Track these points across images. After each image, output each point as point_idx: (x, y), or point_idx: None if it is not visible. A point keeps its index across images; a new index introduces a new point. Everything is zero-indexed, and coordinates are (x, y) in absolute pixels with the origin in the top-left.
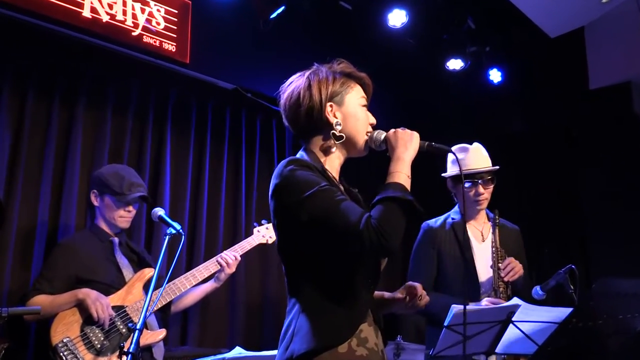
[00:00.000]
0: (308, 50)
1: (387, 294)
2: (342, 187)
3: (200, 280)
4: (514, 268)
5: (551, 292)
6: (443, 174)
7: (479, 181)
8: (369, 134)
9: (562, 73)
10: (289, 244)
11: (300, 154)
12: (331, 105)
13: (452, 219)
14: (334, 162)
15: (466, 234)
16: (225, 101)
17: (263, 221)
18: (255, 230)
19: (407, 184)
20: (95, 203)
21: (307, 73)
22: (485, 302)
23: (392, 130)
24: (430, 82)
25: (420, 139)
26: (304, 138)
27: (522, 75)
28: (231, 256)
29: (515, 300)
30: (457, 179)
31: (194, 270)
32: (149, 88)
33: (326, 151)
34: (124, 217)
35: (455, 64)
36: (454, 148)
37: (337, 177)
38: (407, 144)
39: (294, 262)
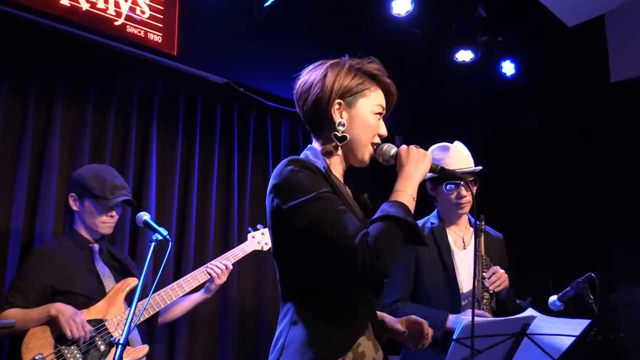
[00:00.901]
0: (306, 40)
1: (387, 318)
2: (349, 192)
3: (188, 291)
4: (500, 278)
5: (569, 303)
6: None
7: (461, 183)
8: (375, 146)
9: (581, 65)
10: (283, 248)
11: (305, 152)
12: (339, 103)
13: (432, 223)
14: (337, 165)
15: (446, 239)
16: (216, 96)
17: (258, 226)
18: (249, 235)
19: (411, 205)
20: (75, 207)
21: (330, 62)
22: (467, 317)
23: (405, 147)
24: (438, 75)
25: (429, 138)
26: (312, 131)
27: (537, 67)
28: (222, 265)
29: (530, 311)
30: (437, 181)
31: (182, 280)
32: (133, 82)
33: (329, 152)
34: (107, 222)
35: (464, 55)
36: (433, 146)
37: (342, 181)
38: (419, 164)
39: (287, 267)
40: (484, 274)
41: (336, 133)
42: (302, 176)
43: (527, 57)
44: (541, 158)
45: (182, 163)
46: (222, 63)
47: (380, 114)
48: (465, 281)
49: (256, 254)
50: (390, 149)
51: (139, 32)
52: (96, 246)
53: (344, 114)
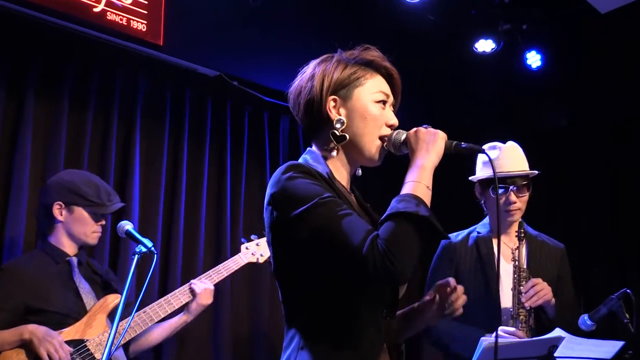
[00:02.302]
0: (307, 29)
1: (416, 304)
2: (354, 199)
3: (177, 307)
4: (539, 292)
5: (602, 322)
6: (471, 177)
7: (511, 187)
8: (386, 138)
9: (616, 56)
10: (285, 265)
11: (304, 157)
12: (334, 100)
13: (478, 232)
14: (340, 169)
15: (491, 250)
16: (206, 91)
17: (252, 236)
18: (243, 247)
19: (426, 197)
20: (60, 217)
21: (317, 61)
22: (500, 333)
23: (413, 130)
24: (455, 68)
25: (448, 138)
26: (311, 136)
27: (566, 58)
28: (202, 285)
29: (557, 332)
30: (486, 183)
31: (169, 295)
32: (113, 75)
33: (330, 155)
34: (97, 232)
35: (485, 45)
36: (485, 146)
37: (347, 187)
38: (430, 146)
39: (291, 285)
40: (521, 287)
41: (334, 132)
42: (302, 182)
43: (554, 48)
44: (570, 159)
45: (168, 166)
46: (214, 54)
47: (384, 102)
48: (507, 296)
49: (251, 267)
50: (400, 135)
51: (121, 19)
52: (74, 259)
53: (342, 110)
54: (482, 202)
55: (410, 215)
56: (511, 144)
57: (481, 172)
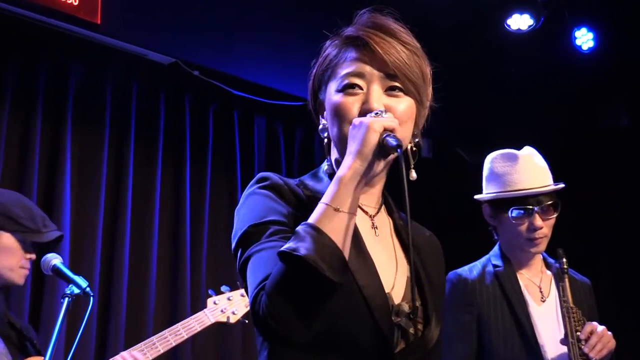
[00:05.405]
0: (293, 5)
1: None
2: (387, 222)
3: None
4: (602, 339)
5: None
6: (476, 196)
7: (535, 208)
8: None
9: None
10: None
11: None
12: (321, 103)
13: (494, 266)
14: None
15: (518, 287)
16: (158, 82)
17: (223, 288)
18: (209, 301)
19: (332, 224)
20: None
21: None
22: None
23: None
24: (484, 50)
25: (470, 141)
26: None
27: (625, 38)
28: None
29: None
30: (500, 204)
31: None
32: (37, 62)
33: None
34: (25, 268)
35: (520, 21)
36: (493, 155)
37: (373, 205)
38: (352, 146)
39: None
40: (578, 334)
41: (325, 142)
42: (258, 201)
43: (610, 24)
44: (631, 169)
45: (108, 180)
46: (168, 36)
47: (352, 85)
48: (550, 347)
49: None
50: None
51: None
52: None
53: (326, 112)
54: (492, 227)
55: (285, 256)
56: (529, 151)
57: (489, 188)
